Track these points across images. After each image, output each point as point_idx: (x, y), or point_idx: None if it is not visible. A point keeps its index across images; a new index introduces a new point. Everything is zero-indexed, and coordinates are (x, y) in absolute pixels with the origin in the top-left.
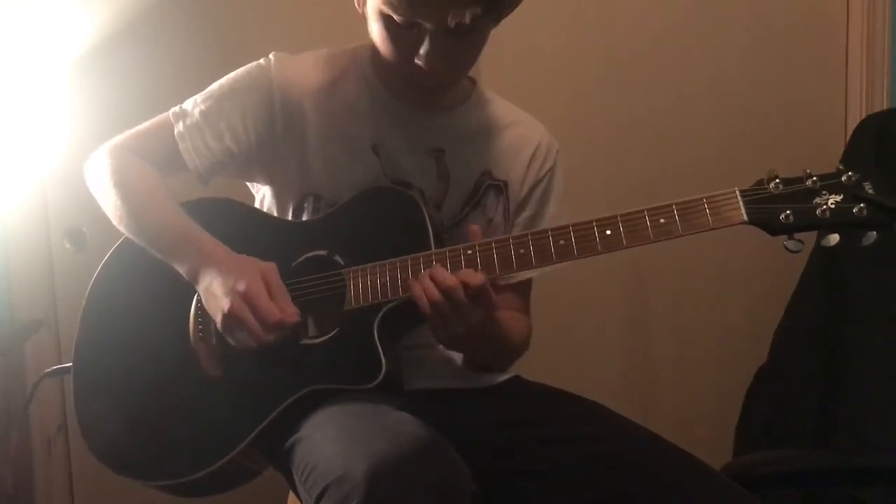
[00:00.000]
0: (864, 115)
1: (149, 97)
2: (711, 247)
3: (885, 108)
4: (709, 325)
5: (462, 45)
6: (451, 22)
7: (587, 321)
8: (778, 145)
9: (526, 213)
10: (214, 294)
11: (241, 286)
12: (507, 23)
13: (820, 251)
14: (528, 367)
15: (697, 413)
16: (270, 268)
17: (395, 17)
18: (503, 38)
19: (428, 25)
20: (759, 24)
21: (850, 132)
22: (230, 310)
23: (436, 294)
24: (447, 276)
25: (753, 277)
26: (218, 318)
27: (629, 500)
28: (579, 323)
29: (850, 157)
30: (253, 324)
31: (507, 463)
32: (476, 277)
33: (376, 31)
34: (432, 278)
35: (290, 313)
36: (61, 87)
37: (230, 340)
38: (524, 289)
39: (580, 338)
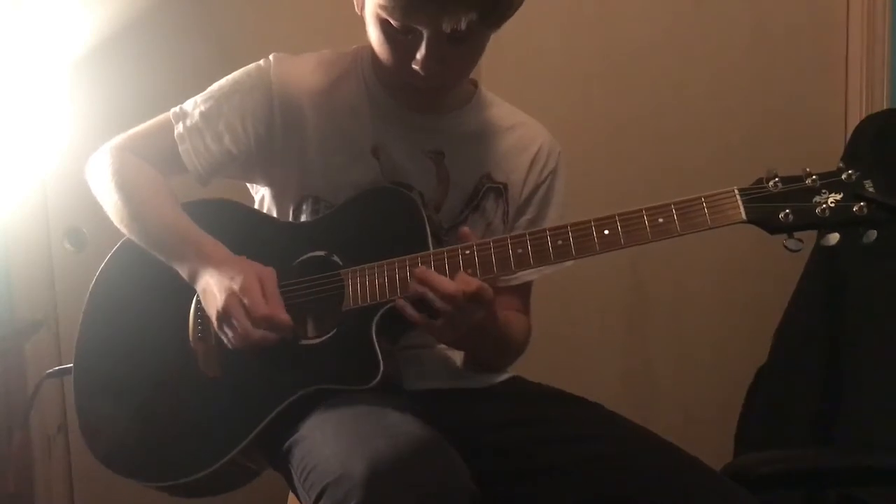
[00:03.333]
0: (864, 116)
1: (149, 97)
2: (711, 247)
3: (885, 108)
4: (709, 325)
5: (459, 50)
6: (447, 28)
7: (587, 322)
8: (778, 146)
9: (526, 217)
10: (211, 293)
11: (236, 284)
12: (508, 24)
13: (820, 251)
14: (528, 367)
15: (697, 413)
16: (268, 272)
17: (392, 21)
18: (504, 39)
19: (424, 31)
20: (759, 24)
21: (850, 132)
22: (223, 306)
23: (438, 303)
24: (446, 284)
25: (753, 278)
26: (213, 316)
27: (629, 500)
28: (579, 323)
29: (850, 157)
30: (242, 318)
31: (507, 463)
32: (473, 282)
33: (374, 35)
34: (430, 286)
35: (280, 312)
36: (62, 87)
37: (223, 338)
38: (524, 291)
39: (580, 338)
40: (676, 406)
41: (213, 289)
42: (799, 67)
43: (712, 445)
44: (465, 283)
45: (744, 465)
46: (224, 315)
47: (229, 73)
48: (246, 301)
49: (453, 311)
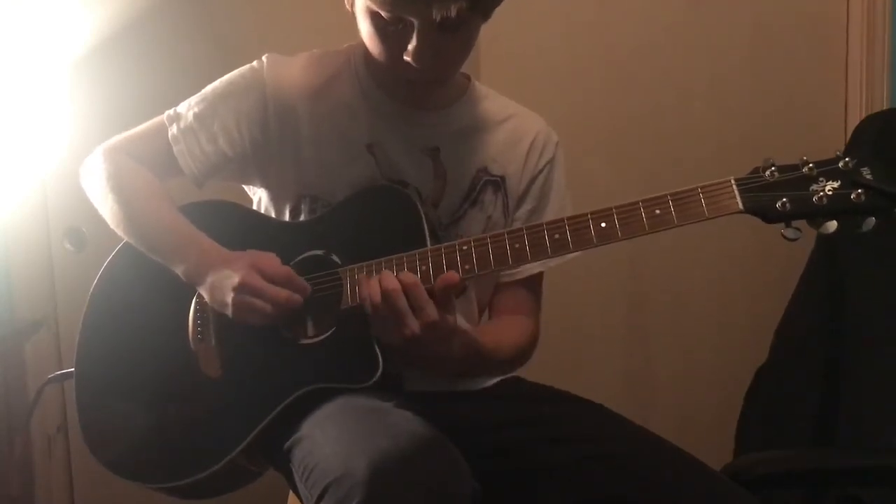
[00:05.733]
0: (864, 115)
1: (149, 97)
2: (712, 247)
3: (885, 108)
4: (709, 325)
5: (450, 41)
6: (437, 16)
7: (587, 321)
8: (777, 145)
9: (526, 207)
10: (223, 276)
11: (247, 260)
12: (507, 22)
13: (820, 251)
14: (529, 367)
15: (697, 413)
16: (271, 255)
17: (382, 13)
18: (504, 38)
19: (415, 21)
20: (759, 24)
21: (850, 132)
22: (240, 281)
23: (377, 294)
24: (390, 278)
25: (753, 277)
26: (228, 299)
27: (629, 500)
28: (579, 323)
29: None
30: (263, 283)
31: (507, 463)
32: (410, 278)
33: (365, 29)
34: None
35: (299, 279)
36: (61, 87)
37: (245, 318)
38: (534, 284)
39: (580, 338)
40: (677, 406)
41: (223, 273)
42: (799, 67)
43: (712, 445)
44: (407, 277)
45: (744, 465)
46: (243, 287)
47: (229, 73)
48: (262, 268)
49: (385, 305)
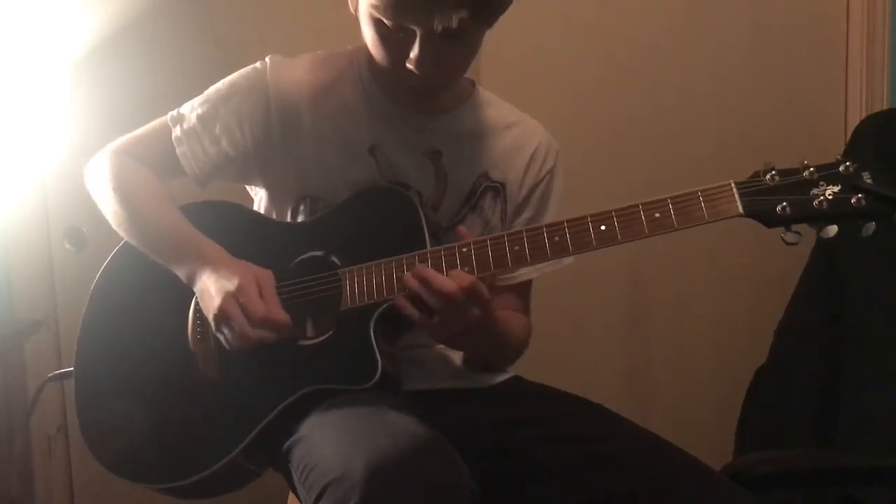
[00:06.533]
0: (864, 115)
1: (149, 98)
2: (711, 247)
3: (885, 108)
4: (709, 325)
5: (453, 49)
6: (438, 26)
7: (587, 322)
8: (778, 146)
9: (525, 215)
10: (209, 294)
11: (232, 285)
12: (507, 23)
13: (820, 250)
14: (529, 368)
15: (697, 413)
16: (266, 274)
17: (385, 20)
18: (504, 39)
19: (417, 30)
20: (759, 24)
21: (850, 132)
22: (219, 307)
23: (433, 300)
24: (443, 281)
25: (753, 277)
26: (210, 317)
27: (629, 500)
28: (579, 323)
29: (850, 157)
30: (239, 319)
31: (507, 463)
32: (467, 278)
33: (368, 35)
34: (425, 281)
35: (277, 313)
36: (62, 87)
37: (221, 339)
38: (524, 290)
39: (580, 338)
40: (676, 406)
41: (210, 290)
42: (799, 67)
43: (712, 445)
44: (459, 278)
45: (744, 465)
46: (221, 316)
47: (229, 73)
48: (243, 301)
49: (448, 308)
